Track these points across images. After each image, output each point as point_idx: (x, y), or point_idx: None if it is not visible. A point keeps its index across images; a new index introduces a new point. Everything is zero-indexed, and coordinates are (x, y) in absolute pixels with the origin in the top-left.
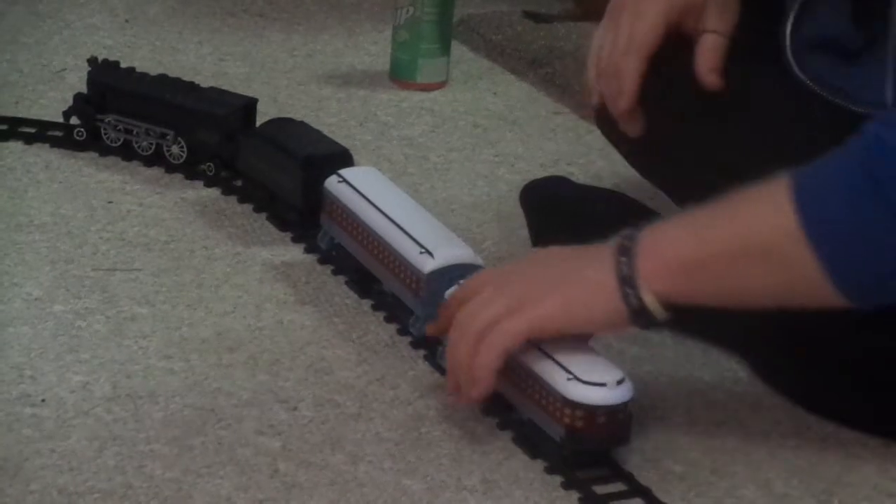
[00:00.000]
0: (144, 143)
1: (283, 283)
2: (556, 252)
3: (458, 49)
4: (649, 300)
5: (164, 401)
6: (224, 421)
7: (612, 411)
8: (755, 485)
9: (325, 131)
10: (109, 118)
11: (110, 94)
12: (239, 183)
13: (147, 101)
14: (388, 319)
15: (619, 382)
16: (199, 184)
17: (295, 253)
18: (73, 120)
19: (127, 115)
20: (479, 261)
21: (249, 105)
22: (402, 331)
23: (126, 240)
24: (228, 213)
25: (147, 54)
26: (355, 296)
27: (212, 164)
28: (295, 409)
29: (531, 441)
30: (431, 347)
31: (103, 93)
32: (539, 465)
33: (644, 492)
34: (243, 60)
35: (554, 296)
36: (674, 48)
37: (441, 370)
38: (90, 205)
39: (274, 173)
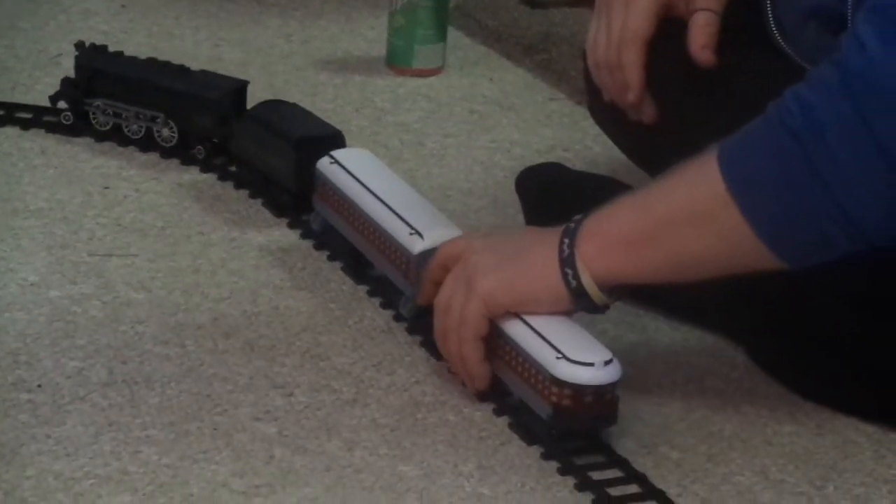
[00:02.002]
0: (134, 127)
1: (279, 269)
2: (516, 230)
3: (454, 35)
4: (587, 283)
5: (160, 386)
6: (220, 406)
7: (599, 391)
8: (751, 471)
9: (322, 117)
10: (98, 102)
11: (99, 78)
12: (234, 168)
13: (138, 84)
14: (385, 305)
15: (608, 363)
16: (195, 169)
17: (291, 238)
18: (62, 104)
19: (116, 99)
20: None
21: (241, 88)
22: (399, 317)
23: (122, 225)
24: (224, 199)
25: (143, 40)
26: (351, 282)
27: (201, 148)
28: (291, 394)
29: (520, 418)
30: (427, 333)
31: (92, 77)
32: (535, 451)
33: (640, 478)
34: (239, 46)
35: (500, 271)
36: (665, 34)
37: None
38: (86, 190)
39: (267, 155)
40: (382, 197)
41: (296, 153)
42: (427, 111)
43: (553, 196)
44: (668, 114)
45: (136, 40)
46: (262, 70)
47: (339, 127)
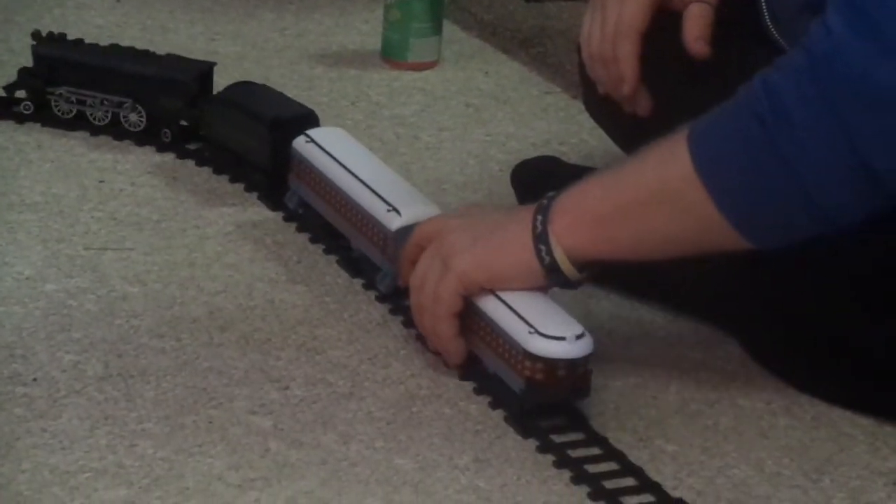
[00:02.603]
0: (99, 113)
1: (274, 263)
2: (491, 209)
3: (449, 28)
4: (560, 257)
5: (156, 380)
6: (215, 400)
7: (572, 364)
8: (747, 464)
9: (317, 111)
10: (61, 90)
11: (61, 67)
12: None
13: (103, 71)
14: (380, 299)
15: (579, 337)
16: (191, 163)
17: (287, 232)
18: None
19: (80, 87)
20: None
21: (209, 70)
22: (395, 310)
23: (117, 219)
24: (219, 192)
25: (138, 34)
26: (347, 275)
27: (168, 131)
28: (286, 388)
29: (495, 392)
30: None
31: (52, 65)
32: (531, 444)
33: (636, 471)
34: (234, 40)
35: (475, 249)
36: (659, 27)
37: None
38: (82, 184)
39: (241, 137)
40: (359, 175)
41: (270, 134)
42: (422, 105)
43: (548, 189)
44: (663, 106)
45: (130, 34)
46: (258, 64)
47: (334, 121)
